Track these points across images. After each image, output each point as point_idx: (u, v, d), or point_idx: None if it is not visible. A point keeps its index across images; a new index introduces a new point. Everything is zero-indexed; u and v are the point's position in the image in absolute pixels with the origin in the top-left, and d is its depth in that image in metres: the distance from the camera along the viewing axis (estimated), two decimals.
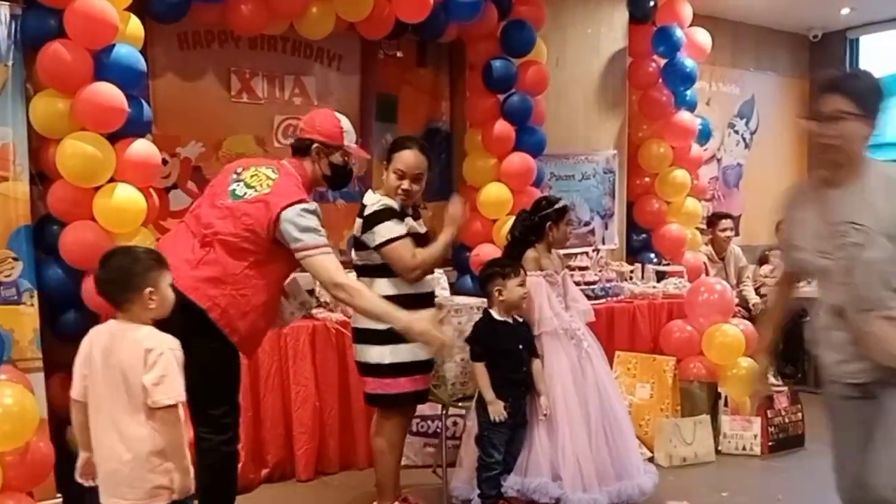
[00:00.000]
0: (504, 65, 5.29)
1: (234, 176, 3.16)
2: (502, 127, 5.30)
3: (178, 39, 4.66)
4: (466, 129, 5.55)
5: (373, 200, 3.42)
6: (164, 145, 4.41)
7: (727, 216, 6.78)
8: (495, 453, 3.64)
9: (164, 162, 4.40)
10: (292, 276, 3.31)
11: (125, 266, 2.50)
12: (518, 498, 3.66)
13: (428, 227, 3.62)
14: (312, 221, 3.03)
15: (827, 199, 2.56)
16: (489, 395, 3.61)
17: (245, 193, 3.07)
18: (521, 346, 3.71)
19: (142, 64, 3.99)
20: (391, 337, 3.24)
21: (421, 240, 3.47)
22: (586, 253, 5.61)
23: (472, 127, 5.49)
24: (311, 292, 3.76)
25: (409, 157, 3.44)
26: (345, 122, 3.34)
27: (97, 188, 3.82)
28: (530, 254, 4.00)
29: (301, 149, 3.27)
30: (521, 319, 3.76)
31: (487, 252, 5.26)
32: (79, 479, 2.62)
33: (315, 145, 3.23)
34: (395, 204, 3.40)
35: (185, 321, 2.71)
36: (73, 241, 3.78)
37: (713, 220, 6.70)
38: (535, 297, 3.82)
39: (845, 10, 7.24)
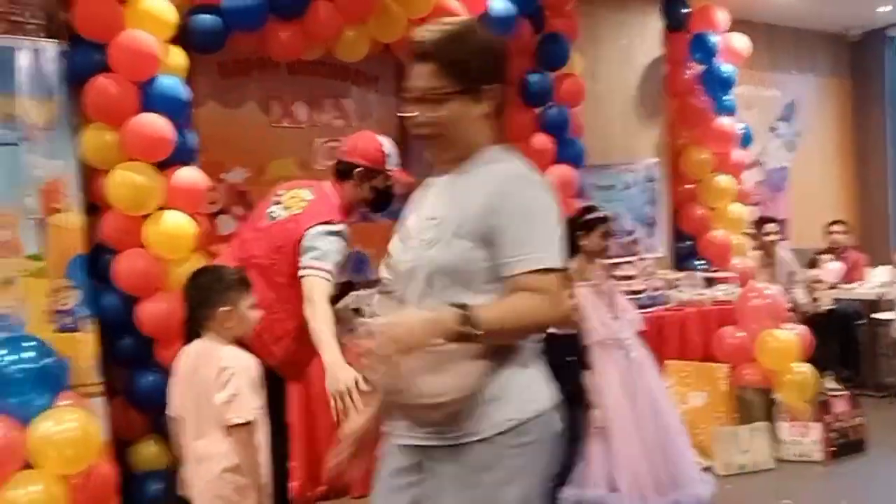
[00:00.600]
0: (540, 78, 5.31)
1: (275, 199, 3.18)
2: (541, 140, 5.31)
3: (219, 68, 4.76)
4: (505, 143, 5.54)
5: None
6: (210, 172, 4.48)
7: (771, 220, 6.68)
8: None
9: (211, 188, 4.48)
10: (343, 302, 3.28)
11: (206, 284, 2.62)
12: None
13: None
14: (329, 244, 2.95)
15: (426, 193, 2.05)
16: None
17: (280, 215, 3.08)
18: (569, 359, 3.63)
19: (186, 94, 4.08)
20: None
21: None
22: (631, 262, 5.56)
23: (511, 141, 5.48)
24: (358, 311, 3.70)
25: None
26: (387, 146, 3.26)
27: (146, 216, 3.90)
28: (573, 265, 3.99)
29: (343, 172, 3.21)
30: (571, 331, 3.68)
31: None
32: (179, 493, 2.69)
33: (358, 169, 3.17)
34: None
35: None
36: (126, 269, 3.86)
37: (758, 224, 6.62)
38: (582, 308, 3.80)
39: (883, 8, 7.15)
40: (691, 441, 4.45)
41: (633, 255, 5.81)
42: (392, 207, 3.39)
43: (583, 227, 3.96)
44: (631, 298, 4.73)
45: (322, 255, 2.93)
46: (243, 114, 4.86)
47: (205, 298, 2.58)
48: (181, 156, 4.02)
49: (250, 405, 2.46)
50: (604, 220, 3.98)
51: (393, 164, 3.26)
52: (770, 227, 6.57)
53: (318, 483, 4.26)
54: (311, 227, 2.97)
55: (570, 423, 3.47)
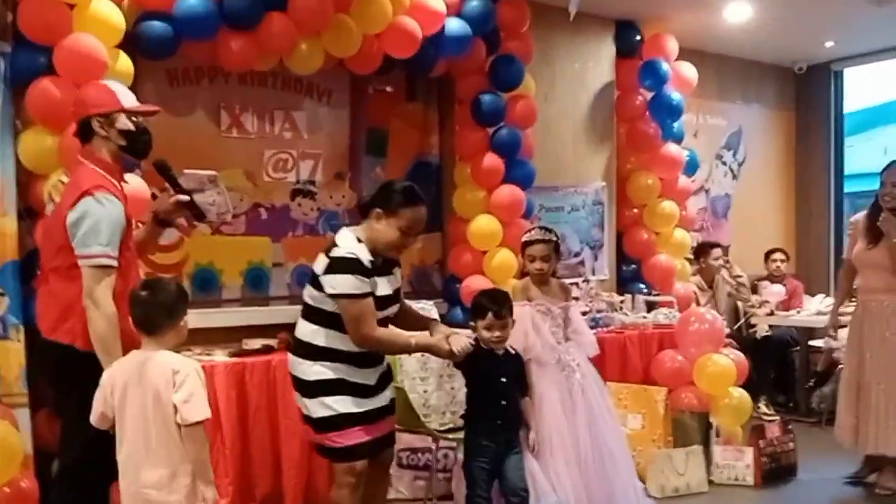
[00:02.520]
0: (493, 99, 5.35)
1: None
2: (491, 160, 5.35)
3: (167, 76, 4.70)
4: (456, 162, 5.59)
5: (345, 244, 3.13)
6: (154, 180, 4.42)
7: (717, 245, 6.83)
8: (477, 488, 3.46)
9: (154, 197, 4.41)
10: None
11: (174, 295, 2.77)
12: None
13: (400, 284, 3.38)
14: (90, 220, 2.87)
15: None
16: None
17: (50, 211, 3.10)
18: (504, 379, 3.55)
19: (134, 100, 4.00)
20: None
21: (388, 301, 3.22)
22: (577, 284, 5.61)
23: (462, 160, 5.53)
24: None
25: (421, 217, 3.21)
26: (115, 85, 3.19)
27: None
28: (517, 284, 4.04)
29: (85, 132, 3.08)
30: (512, 351, 3.66)
31: (477, 284, 5.26)
32: None
33: (94, 120, 3.04)
34: (365, 258, 3.10)
35: (56, 368, 3.00)
36: None
37: (703, 250, 6.75)
38: (519, 326, 3.81)
39: (829, 43, 7.35)
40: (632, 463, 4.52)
41: (579, 276, 5.88)
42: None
43: (525, 249, 3.99)
44: None
45: (85, 237, 2.87)
46: (191, 122, 4.80)
47: (172, 309, 2.75)
48: (124, 163, 3.95)
49: (205, 404, 2.67)
50: (546, 241, 3.98)
51: (129, 102, 3.14)
52: (712, 252, 6.72)
53: (250, 499, 4.21)
54: (69, 211, 2.89)
55: (497, 441, 3.42)
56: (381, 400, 3.26)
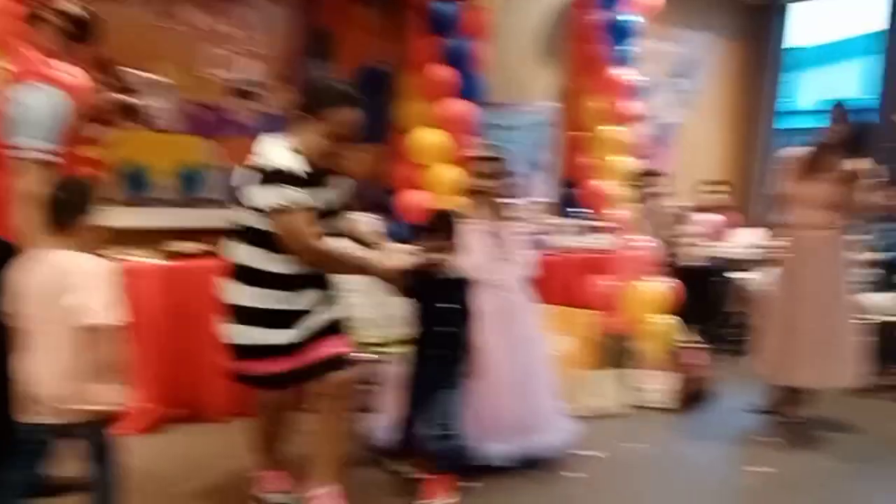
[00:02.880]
0: (447, 7, 5.20)
1: None
2: (441, 71, 5.23)
3: None
4: (405, 71, 5.45)
5: (278, 155, 2.84)
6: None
7: (658, 173, 6.85)
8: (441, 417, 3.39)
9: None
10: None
11: (85, 192, 2.64)
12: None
13: (341, 194, 3.15)
14: (28, 110, 2.77)
15: None
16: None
17: None
18: (452, 305, 3.41)
19: None
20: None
21: (326, 215, 2.97)
22: (518, 204, 5.59)
23: (412, 70, 5.40)
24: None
25: (355, 120, 2.90)
26: None
27: None
28: (459, 201, 4.01)
29: (32, 18, 2.91)
30: (454, 276, 3.44)
31: (420, 198, 5.23)
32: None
33: (39, 4, 2.90)
34: (302, 170, 2.84)
35: None
36: None
37: (642, 176, 6.76)
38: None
39: None
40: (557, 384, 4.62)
41: (521, 197, 5.85)
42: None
43: (473, 165, 3.94)
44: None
45: (17, 127, 2.77)
46: (127, 10, 4.54)
47: (82, 205, 2.61)
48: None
49: (102, 307, 2.54)
50: (493, 159, 3.95)
51: None
52: (653, 179, 6.74)
53: (174, 405, 4.18)
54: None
55: (442, 368, 3.42)
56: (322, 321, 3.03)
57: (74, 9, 2.94)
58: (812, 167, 4.57)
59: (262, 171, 2.80)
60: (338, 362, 3.00)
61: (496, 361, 3.74)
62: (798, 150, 4.77)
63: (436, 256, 3.34)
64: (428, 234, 3.37)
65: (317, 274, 2.97)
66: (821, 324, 4.51)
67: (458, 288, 3.47)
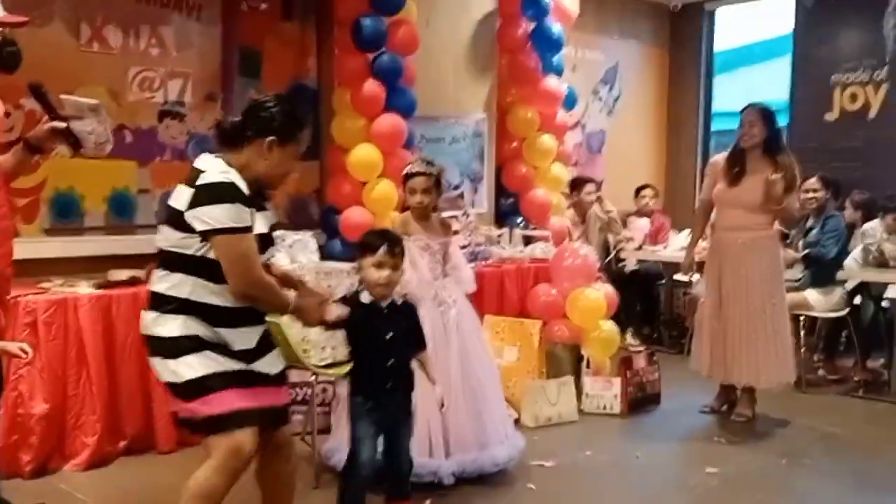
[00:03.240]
0: (374, 22, 5.16)
1: None
2: (372, 86, 5.19)
3: None
4: (334, 87, 5.40)
5: (215, 168, 2.53)
6: (7, 96, 4.04)
7: (591, 180, 6.94)
8: (360, 456, 3.02)
9: (7, 115, 4.05)
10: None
11: None
12: None
13: (277, 219, 2.94)
14: None
15: None
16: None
17: None
18: (391, 335, 3.04)
19: None
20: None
21: (265, 242, 2.72)
22: (456, 217, 5.59)
23: (341, 86, 5.34)
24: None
25: (306, 139, 2.71)
26: None
27: None
28: (397, 218, 3.96)
29: None
30: (399, 301, 3.14)
31: (356, 215, 5.17)
32: None
33: None
34: (244, 184, 2.53)
35: None
36: None
37: (577, 184, 6.84)
38: None
39: None
40: (504, 394, 4.59)
41: (459, 209, 5.84)
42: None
43: (406, 181, 3.90)
44: None
45: None
46: (48, 34, 4.40)
47: None
48: None
49: None
50: (427, 174, 3.89)
51: None
52: (587, 187, 6.84)
53: (120, 438, 4.06)
54: None
55: (382, 407, 3.10)
56: (265, 365, 2.68)
57: None
58: (731, 170, 4.68)
59: (204, 187, 2.48)
60: (227, 421, 2.54)
61: (442, 378, 3.68)
62: (720, 155, 4.89)
63: (381, 275, 2.98)
64: (374, 249, 3.02)
65: (252, 309, 2.63)
66: (749, 323, 4.62)
67: (403, 316, 3.10)
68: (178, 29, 4.91)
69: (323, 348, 3.94)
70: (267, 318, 3.09)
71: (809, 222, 5.83)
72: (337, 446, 3.74)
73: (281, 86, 5.38)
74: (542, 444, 4.38)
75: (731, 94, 8.88)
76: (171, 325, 2.53)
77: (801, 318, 5.63)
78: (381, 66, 5.23)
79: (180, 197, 2.52)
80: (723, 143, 9.00)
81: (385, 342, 3.03)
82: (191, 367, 2.51)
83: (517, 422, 4.64)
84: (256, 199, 2.64)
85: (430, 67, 5.81)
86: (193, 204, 2.47)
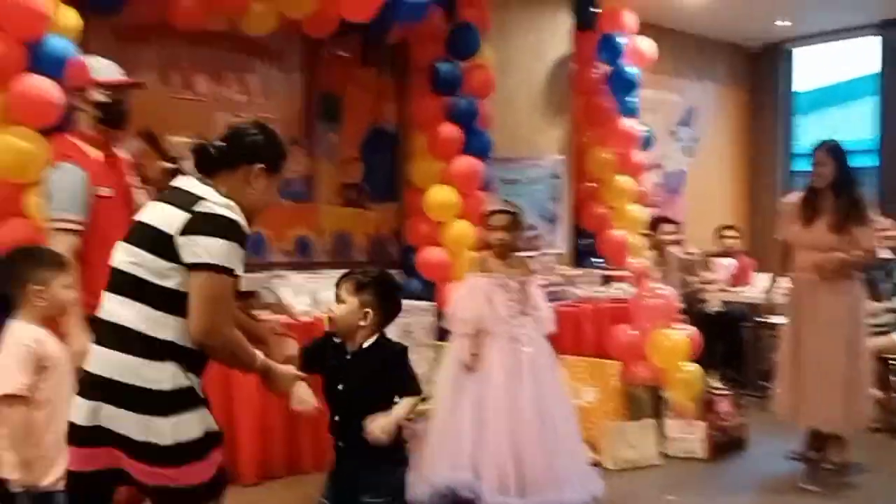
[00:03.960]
0: (450, 67, 5.26)
1: None
2: (448, 129, 5.26)
3: (114, 32, 4.50)
4: (412, 130, 5.50)
5: (215, 197, 2.21)
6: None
7: (668, 220, 6.85)
8: None
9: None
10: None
11: (14, 261, 2.69)
12: (443, 494, 3.58)
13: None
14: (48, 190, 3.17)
15: None
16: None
17: None
18: (342, 386, 2.66)
19: (75, 54, 3.83)
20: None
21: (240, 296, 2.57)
22: (532, 257, 5.58)
23: (418, 129, 5.43)
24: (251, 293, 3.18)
25: (287, 170, 2.49)
26: (90, 59, 3.40)
27: (30, 184, 3.64)
28: (478, 255, 4.02)
29: (69, 106, 3.38)
30: (366, 344, 2.69)
31: (435, 255, 5.21)
32: None
33: (70, 95, 3.33)
34: (245, 224, 2.23)
35: None
36: (7, 239, 3.58)
37: (655, 224, 6.76)
38: (466, 295, 3.83)
39: (781, 23, 7.41)
40: (582, 437, 4.52)
41: (535, 250, 5.84)
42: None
43: (486, 219, 3.94)
44: None
45: (47, 202, 3.20)
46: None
47: (16, 276, 2.64)
48: (70, 123, 3.78)
49: (11, 379, 2.50)
50: (506, 212, 3.94)
51: (104, 74, 3.33)
52: (666, 227, 6.74)
53: None
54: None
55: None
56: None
57: (101, 97, 3.28)
58: (805, 211, 4.56)
59: (207, 217, 2.16)
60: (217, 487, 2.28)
61: (502, 413, 3.67)
62: (794, 195, 4.77)
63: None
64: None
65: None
66: (824, 366, 4.44)
67: (370, 362, 2.68)
68: (262, 76, 5.11)
69: None
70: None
71: (893, 264, 5.64)
72: (413, 479, 3.72)
73: (360, 129, 5.54)
74: (623, 487, 4.28)
75: (817, 134, 8.70)
76: (161, 373, 2.14)
77: (893, 362, 5.40)
78: (458, 109, 5.31)
79: (167, 218, 2.17)
80: (806, 183, 8.80)
81: (336, 394, 2.69)
82: (186, 425, 2.15)
83: (597, 465, 4.56)
84: None
85: (506, 111, 5.87)
86: (190, 231, 2.14)
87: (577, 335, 5.34)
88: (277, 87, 5.18)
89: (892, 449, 5.07)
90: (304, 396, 2.45)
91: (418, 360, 4.11)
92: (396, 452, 2.69)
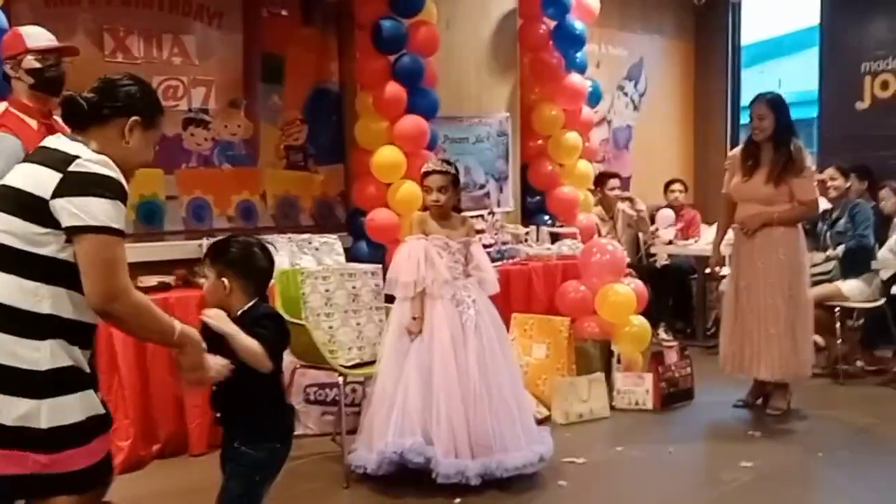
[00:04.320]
0: (394, 25, 5.16)
1: None
2: (394, 89, 5.18)
3: None
4: (356, 90, 5.41)
5: (89, 154, 2.07)
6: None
7: (615, 175, 6.90)
8: None
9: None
10: None
11: None
12: (390, 461, 3.57)
13: None
14: None
15: None
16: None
17: None
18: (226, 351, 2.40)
19: (2, 21, 3.71)
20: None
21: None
22: (482, 216, 5.57)
23: (363, 89, 5.35)
24: None
25: (162, 126, 2.36)
26: (25, 28, 3.42)
27: None
28: (415, 217, 3.96)
29: (4, 77, 3.38)
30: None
31: (382, 217, 5.17)
32: None
33: (5, 64, 3.34)
34: (124, 181, 2.11)
35: None
36: None
37: (601, 180, 6.80)
38: (405, 258, 3.77)
39: None
40: (534, 392, 4.57)
41: (484, 208, 5.83)
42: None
43: (423, 180, 3.89)
44: None
45: None
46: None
47: None
48: (6, 93, 3.65)
49: None
50: (442, 172, 3.86)
51: (37, 42, 3.35)
52: (612, 181, 6.80)
53: (153, 441, 4.11)
54: None
55: None
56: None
57: (36, 64, 3.31)
58: (744, 164, 4.63)
59: (82, 176, 2.02)
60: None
61: (450, 375, 3.65)
62: (736, 149, 4.83)
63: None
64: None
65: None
66: (763, 316, 4.54)
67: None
68: (200, 37, 4.97)
69: (349, 349, 3.94)
70: (290, 320, 3.06)
71: (835, 214, 5.75)
72: (358, 446, 3.76)
73: (303, 90, 5.44)
74: (574, 441, 4.34)
75: (761, 86, 8.77)
76: (36, 352, 2.01)
77: (837, 309, 5.53)
78: (403, 67, 5.23)
79: (39, 181, 2.03)
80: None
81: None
82: (66, 409, 2.03)
83: (548, 419, 4.62)
84: None
85: (451, 68, 5.81)
86: (64, 192, 2.00)
87: (527, 293, 5.36)
88: (217, 48, 5.04)
89: (834, 394, 5.22)
90: (220, 365, 2.30)
91: (366, 325, 4.11)
92: (273, 426, 2.55)
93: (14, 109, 3.30)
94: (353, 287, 4.02)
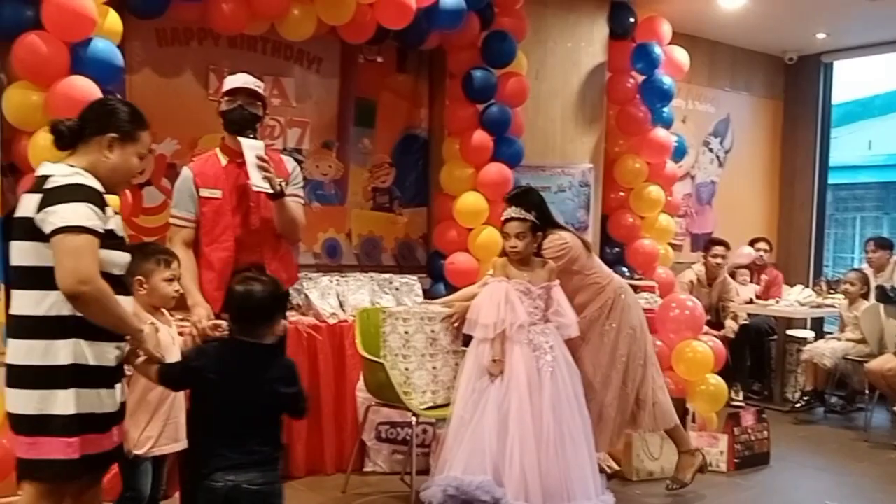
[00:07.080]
0: (484, 75, 5.30)
1: None
2: (480, 136, 5.31)
3: (156, 35, 4.63)
4: (444, 136, 5.55)
5: (61, 171, 2.39)
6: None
7: (721, 243, 6.70)
8: None
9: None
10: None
11: (132, 252, 2.73)
12: (456, 496, 3.57)
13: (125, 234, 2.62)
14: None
15: None
16: None
17: None
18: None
19: (119, 59, 3.94)
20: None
21: (120, 246, 2.52)
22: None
23: (451, 136, 5.48)
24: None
25: (147, 140, 2.60)
26: (232, 76, 3.73)
27: None
28: (497, 261, 4.01)
29: None
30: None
31: (462, 261, 5.26)
32: None
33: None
34: (98, 185, 2.42)
35: None
36: None
37: (707, 246, 6.70)
38: (487, 300, 3.82)
39: (820, 35, 7.35)
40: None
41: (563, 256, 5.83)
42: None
43: (502, 226, 3.95)
44: None
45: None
46: (178, 84, 4.74)
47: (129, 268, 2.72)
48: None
49: None
50: (520, 219, 3.87)
51: (228, 85, 3.68)
52: (716, 249, 6.64)
53: None
54: None
55: None
56: (116, 395, 2.49)
57: (223, 106, 3.66)
58: None
59: (53, 190, 2.33)
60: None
61: (525, 419, 3.65)
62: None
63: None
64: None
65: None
66: None
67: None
68: (299, 80, 5.18)
69: (423, 392, 4.00)
70: (368, 357, 3.20)
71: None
72: (431, 484, 3.78)
73: (393, 135, 5.60)
74: (643, 498, 4.29)
75: (850, 147, 8.63)
76: (60, 352, 2.34)
77: None
78: (490, 116, 5.35)
79: (28, 205, 2.36)
80: (840, 196, 8.73)
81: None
82: (60, 400, 2.34)
83: (618, 474, 4.58)
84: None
85: (538, 118, 5.91)
86: (41, 207, 2.32)
87: None
88: (313, 91, 5.25)
89: None
90: (150, 344, 2.60)
91: (442, 368, 4.15)
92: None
93: (218, 147, 3.70)
94: (433, 331, 4.09)
